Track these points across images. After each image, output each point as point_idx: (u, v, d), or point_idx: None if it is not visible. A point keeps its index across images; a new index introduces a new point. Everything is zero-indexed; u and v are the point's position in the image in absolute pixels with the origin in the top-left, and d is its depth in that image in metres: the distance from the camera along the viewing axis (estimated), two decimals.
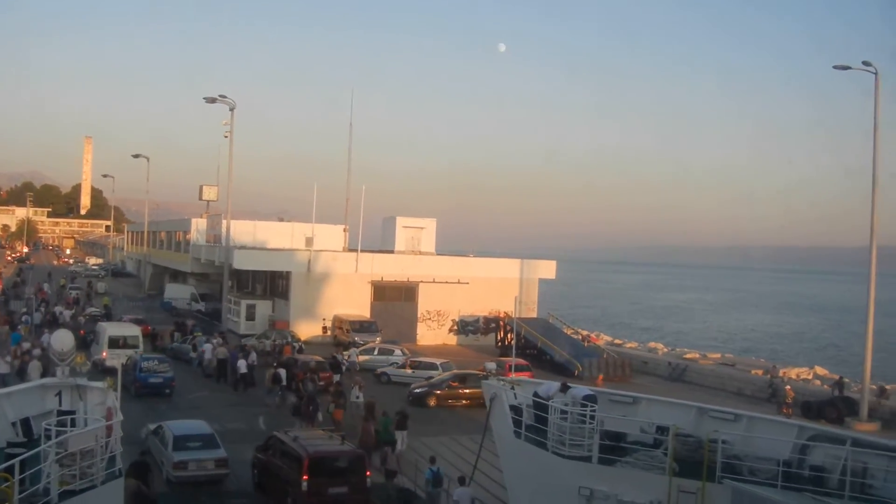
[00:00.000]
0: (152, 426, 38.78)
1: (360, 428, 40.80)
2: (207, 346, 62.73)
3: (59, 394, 26.06)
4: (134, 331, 64.29)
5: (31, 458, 19.45)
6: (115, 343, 60.31)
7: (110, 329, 63.98)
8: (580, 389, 28.84)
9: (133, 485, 26.89)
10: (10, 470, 17.35)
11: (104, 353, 58.34)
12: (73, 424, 22.89)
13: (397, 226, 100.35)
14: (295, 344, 70.03)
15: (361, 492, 32.00)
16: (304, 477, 31.14)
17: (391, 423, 40.96)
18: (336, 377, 55.15)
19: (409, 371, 61.24)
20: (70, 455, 20.69)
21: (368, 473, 32.64)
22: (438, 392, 53.96)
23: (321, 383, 52.53)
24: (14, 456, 18.54)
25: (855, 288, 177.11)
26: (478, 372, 58.30)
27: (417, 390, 54.42)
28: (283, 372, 53.85)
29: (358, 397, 47.21)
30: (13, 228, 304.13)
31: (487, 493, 35.06)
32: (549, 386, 29.08)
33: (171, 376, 53.86)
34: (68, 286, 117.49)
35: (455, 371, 58.50)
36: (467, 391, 54.02)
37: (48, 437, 20.50)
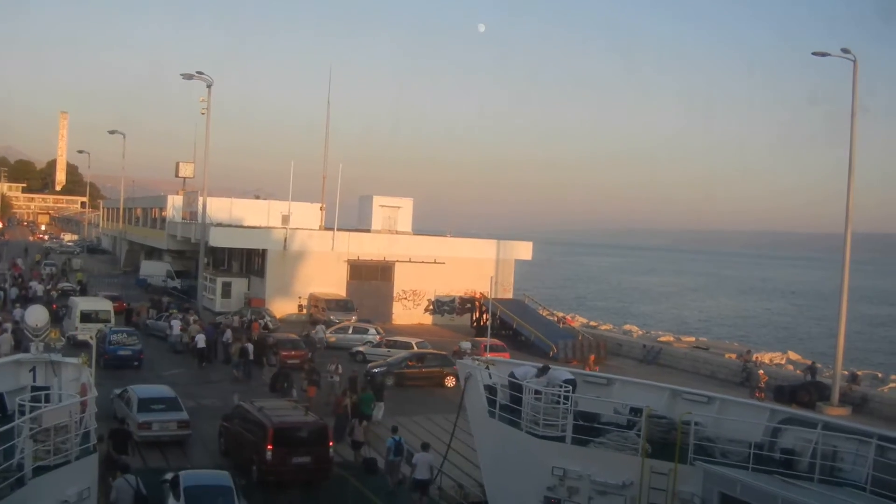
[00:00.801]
0: (117, 390, 40.17)
1: (334, 400, 41.70)
2: (175, 323, 63.39)
3: (34, 369, 25.98)
4: (105, 305, 64.96)
5: (5, 434, 19.37)
6: (87, 317, 60.72)
7: (82, 304, 64.46)
8: (561, 372, 28.93)
9: (103, 451, 26.96)
10: None
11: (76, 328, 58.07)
12: (47, 400, 22.83)
13: (374, 205, 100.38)
14: (262, 321, 70.19)
15: (324, 462, 33.20)
16: (269, 447, 32.12)
17: (372, 398, 42.24)
18: (309, 355, 55.61)
19: (384, 350, 61.18)
20: (44, 430, 20.64)
21: (331, 444, 33.78)
22: (397, 371, 53.38)
23: (296, 361, 52.68)
24: None
25: (830, 274, 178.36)
26: (437, 351, 58.82)
27: (376, 370, 53.10)
28: (249, 346, 54.37)
29: (333, 377, 47.50)
30: None
31: (461, 472, 35.25)
32: (527, 369, 29.15)
33: (139, 349, 54.97)
34: (43, 262, 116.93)
35: (413, 350, 58.56)
36: (425, 370, 54.15)
37: (22, 413, 20.43)
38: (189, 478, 28.20)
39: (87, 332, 46.36)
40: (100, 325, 57.85)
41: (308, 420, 34.69)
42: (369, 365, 55.41)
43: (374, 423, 40.79)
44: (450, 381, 53.71)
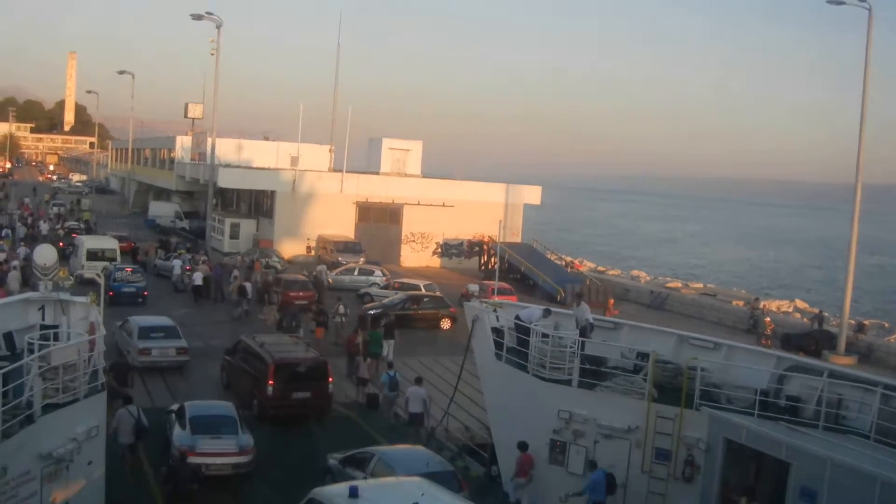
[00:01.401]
0: (118, 322, 40.99)
1: (346, 339, 42.32)
2: (177, 262, 64.16)
3: (42, 308, 25.96)
4: (111, 244, 65.89)
5: (14, 372, 19.39)
6: (93, 256, 61.56)
7: (88, 242, 65.22)
8: (586, 309, 29.09)
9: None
10: None
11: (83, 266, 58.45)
12: (56, 339, 22.89)
13: (383, 147, 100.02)
14: (265, 260, 70.50)
15: (323, 397, 34.15)
16: (270, 382, 33.17)
17: (381, 336, 43.13)
18: (317, 296, 55.88)
19: (393, 291, 61.18)
20: (53, 369, 20.68)
21: (331, 380, 34.49)
22: (393, 313, 52.12)
23: (304, 302, 52.86)
24: None
25: (843, 224, 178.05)
26: (434, 294, 59.02)
27: (371, 311, 52.65)
28: (248, 285, 55.16)
29: (335, 318, 48.04)
30: None
31: (468, 414, 35.45)
32: (533, 311, 29.19)
33: (143, 286, 56.17)
34: (52, 202, 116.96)
35: (410, 293, 58.51)
36: (422, 312, 54.18)
37: (31, 351, 20.43)
38: (194, 408, 29.10)
39: (93, 271, 46.48)
40: (105, 264, 58.28)
41: (308, 356, 35.62)
42: (365, 306, 55.29)
43: (382, 360, 41.28)
44: (445, 324, 54.13)
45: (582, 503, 24.27)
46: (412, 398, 33.43)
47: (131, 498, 24.98)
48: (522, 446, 26.41)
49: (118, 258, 62.94)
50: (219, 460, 27.31)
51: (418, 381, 34.36)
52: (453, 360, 40.20)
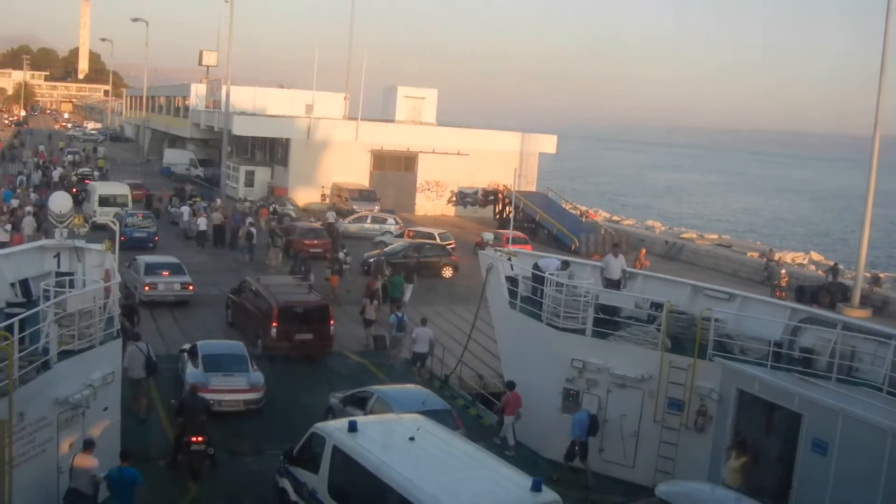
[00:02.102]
0: (126, 263, 41.66)
1: (366, 284, 43.14)
2: (185, 209, 64.87)
3: (58, 255, 26.07)
4: (123, 190, 67.20)
5: (30, 318, 19.48)
6: (105, 202, 63.02)
7: (101, 188, 66.76)
8: (617, 262, 29.18)
9: None
10: (9, 329, 17.39)
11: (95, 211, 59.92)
12: (71, 286, 23.00)
13: (398, 95, 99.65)
14: (271, 206, 71.15)
15: (325, 338, 35.61)
16: (273, 324, 34.55)
17: (402, 281, 44.41)
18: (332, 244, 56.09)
19: (407, 240, 61.19)
20: (69, 316, 20.77)
21: (332, 322, 35.80)
22: (394, 261, 51.92)
23: (318, 250, 53.04)
24: (13, 316, 18.58)
25: (856, 176, 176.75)
26: (435, 242, 59.28)
27: (372, 259, 52.59)
28: (254, 230, 56.20)
29: (345, 264, 49.08)
30: (10, 92, 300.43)
31: (481, 362, 35.59)
32: (550, 261, 29.21)
33: (153, 231, 57.35)
34: (66, 149, 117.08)
35: (410, 240, 58.68)
36: (423, 261, 54.07)
37: (47, 298, 20.54)
38: (206, 347, 30.36)
39: (105, 216, 49.90)
40: (117, 209, 59.87)
41: (311, 299, 37.06)
42: (366, 254, 55.14)
43: (403, 305, 41.70)
44: (447, 272, 54.40)
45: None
46: (418, 338, 34.18)
47: (143, 432, 25.26)
48: (510, 385, 27.40)
49: (130, 204, 64.18)
50: (231, 396, 28.49)
51: (424, 321, 35.00)
52: (468, 308, 40.36)
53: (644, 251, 63.37)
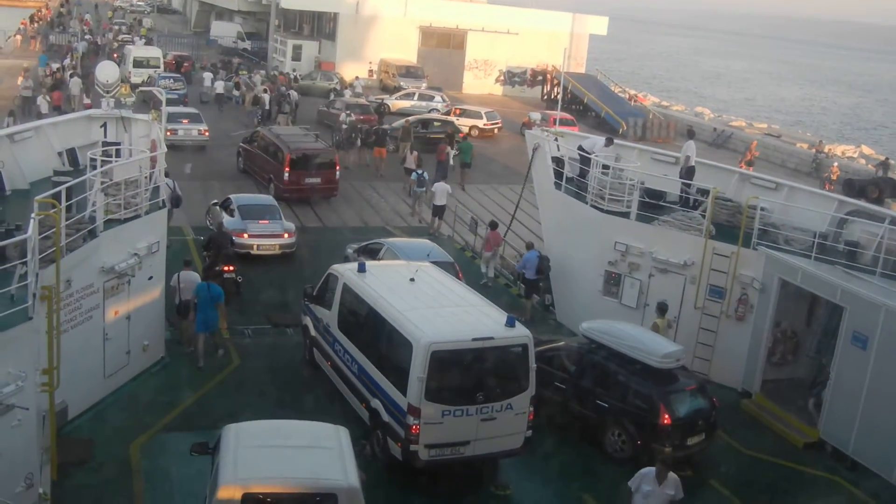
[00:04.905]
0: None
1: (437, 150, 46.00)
2: (207, 75, 68.49)
3: (105, 125, 26.10)
4: (156, 53, 71.48)
5: (77, 187, 19.54)
6: (139, 64, 66.95)
7: (135, 51, 70.70)
8: (690, 145, 28.92)
9: None
10: (56, 197, 17.47)
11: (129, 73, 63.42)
12: (118, 155, 23.08)
13: None
14: (289, 74, 73.46)
15: (332, 182, 40.59)
16: (286, 169, 39.24)
17: (472, 147, 47.85)
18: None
19: (454, 118, 60.83)
20: (115, 185, 20.91)
21: (338, 168, 40.83)
22: (397, 134, 51.87)
23: (365, 126, 52.88)
24: (60, 184, 18.64)
25: None
26: (445, 118, 59.30)
27: (385, 126, 53.26)
28: (266, 96, 59.18)
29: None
30: None
31: (524, 242, 35.62)
32: (595, 140, 28.98)
33: (184, 92, 60.76)
34: (113, 20, 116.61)
35: (417, 116, 58.38)
36: (431, 136, 53.39)
37: (93, 167, 20.58)
38: (239, 199, 33.66)
39: (139, 77, 61.24)
40: (150, 71, 64.92)
41: (319, 147, 41.58)
42: (393, 124, 54.58)
43: (468, 172, 46.51)
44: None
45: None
46: (437, 192, 37.34)
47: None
48: (493, 225, 31.85)
49: (162, 66, 68.22)
50: (268, 241, 31.61)
51: (443, 177, 39.97)
52: (512, 188, 40.44)
53: (755, 143, 62.51)
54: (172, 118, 44.21)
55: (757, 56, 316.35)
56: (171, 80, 62.02)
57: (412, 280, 20.69)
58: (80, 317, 19.14)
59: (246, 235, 31.03)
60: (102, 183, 20.09)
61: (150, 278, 22.00)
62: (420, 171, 39.98)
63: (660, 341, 21.21)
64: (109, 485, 17.71)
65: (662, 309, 23.60)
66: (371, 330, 19.85)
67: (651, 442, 19.47)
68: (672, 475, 15.64)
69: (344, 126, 50.94)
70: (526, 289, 29.34)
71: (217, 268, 26.18)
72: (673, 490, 15.57)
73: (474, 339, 18.15)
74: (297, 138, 42.15)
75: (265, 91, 60.71)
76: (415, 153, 43.80)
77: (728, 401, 23.06)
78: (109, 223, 20.08)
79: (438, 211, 37.40)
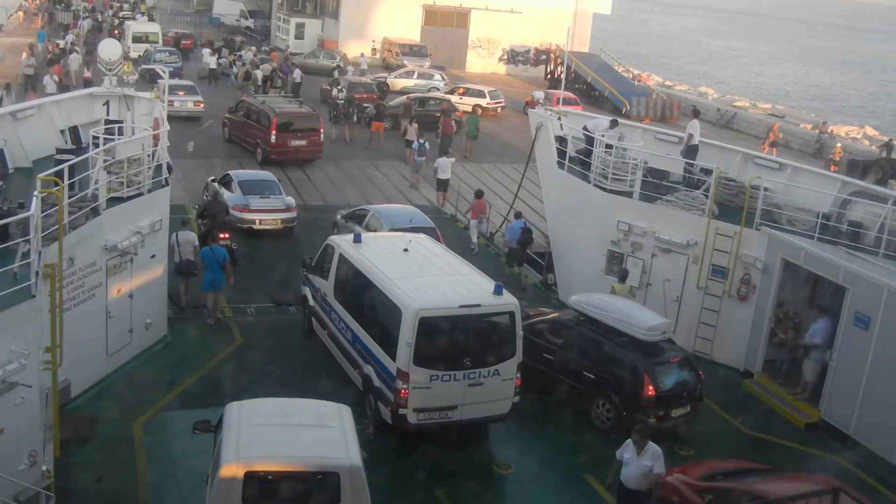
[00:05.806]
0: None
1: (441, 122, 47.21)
2: (205, 51, 68.40)
3: (107, 103, 26.03)
4: (154, 28, 73.53)
5: (80, 165, 19.49)
6: (138, 39, 68.81)
7: (134, 26, 72.86)
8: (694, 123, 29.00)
9: None
10: (59, 175, 17.43)
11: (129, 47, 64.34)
12: (120, 133, 23.06)
13: None
14: (282, 52, 73.58)
15: (316, 145, 42.88)
16: (273, 132, 41.52)
17: (478, 120, 50.31)
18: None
19: (457, 97, 60.77)
20: (118, 163, 20.91)
21: (321, 131, 43.04)
22: (394, 113, 52.14)
23: (367, 105, 52.82)
24: (63, 162, 18.60)
25: None
26: (441, 96, 59.04)
27: (388, 103, 53.70)
28: (259, 72, 61.04)
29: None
30: None
31: (525, 220, 35.55)
32: (599, 121, 28.92)
33: (179, 66, 61.38)
34: None
35: (412, 94, 58.26)
36: (426, 113, 52.78)
37: (96, 145, 20.55)
38: (240, 175, 34.59)
39: (137, 52, 62.71)
40: (147, 46, 66.54)
41: (304, 111, 43.91)
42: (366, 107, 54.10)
43: (474, 143, 48.62)
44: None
45: None
46: (440, 166, 38.25)
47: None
48: (478, 194, 33.39)
49: (160, 41, 69.72)
50: (270, 216, 32.23)
51: (446, 152, 40.69)
52: (515, 167, 40.44)
53: (777, 125, 62.28)
54: (169, 90, 44.20)
55: (763, 36, 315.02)
56: (167, 54, 63.51)
57: (405, 250, 21.37)
58: (82, 295, 19.17)
59: (249, 210, 31.66)
60: (105, 161, 20.06)
61: (153, 256, 22.03)
62: (421, 141, 41.78)
63: (647, 314, 21.55)
64: (112, 462, 17.76)
65: (623, 276, 24.88)
66: (364, 298, 20.62)
67: (635, 413, 19.67)
68: (653, 447, 15.74)
69: (339, 101, 50.89)
70: (507, 257, 31.05)
71: (212, 234, 26.59)
72: (650, 462, 15.61)
73: (461, 306, 18.68)
74: (281, 104, 44.98)
75: (257, 67, 61.75)
76: (415, 125, 45.31)
77: (730, 381, 23.13)
78: (112, 201, 20.08)
79: (442, 185, 38.35)
